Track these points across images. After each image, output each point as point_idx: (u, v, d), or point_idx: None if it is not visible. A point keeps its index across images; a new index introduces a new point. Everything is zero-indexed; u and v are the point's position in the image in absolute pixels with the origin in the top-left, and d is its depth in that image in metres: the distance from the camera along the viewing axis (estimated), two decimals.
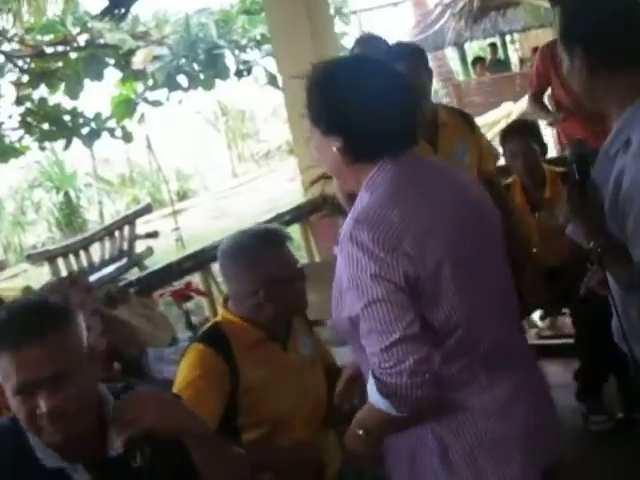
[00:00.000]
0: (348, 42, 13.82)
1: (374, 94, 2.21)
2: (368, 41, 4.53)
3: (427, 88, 3.91)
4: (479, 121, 6.06)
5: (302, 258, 6.42)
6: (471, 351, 2.24)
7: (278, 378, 3.00)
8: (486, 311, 2.27)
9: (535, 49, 12.90)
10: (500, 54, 20.10)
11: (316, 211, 6.44)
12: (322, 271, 4.84)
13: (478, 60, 18.30)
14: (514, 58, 22.06)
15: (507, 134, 4.91)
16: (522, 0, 12.65)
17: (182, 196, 20.57)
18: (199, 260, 5.52)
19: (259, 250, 2.98)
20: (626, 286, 2.35)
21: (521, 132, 4.74)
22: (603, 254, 2.32)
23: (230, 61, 14.17)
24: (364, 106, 2.21)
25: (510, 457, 2.28)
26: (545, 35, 16.36)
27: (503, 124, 10.87)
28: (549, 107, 6.22)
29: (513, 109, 13.49)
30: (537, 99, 6.15)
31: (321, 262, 6.31)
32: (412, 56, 3.83)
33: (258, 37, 13.97)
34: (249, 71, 14.63)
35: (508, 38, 21.74)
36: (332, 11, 14.31)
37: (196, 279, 5.47)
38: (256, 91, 20.53)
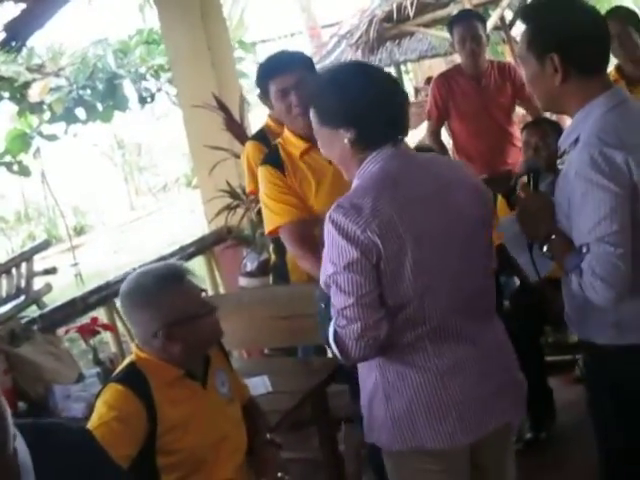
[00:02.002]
0: (245, 67, 13.79)
1: (373, 93, 2.58)
2: None
3: None
4: None
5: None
6: (420, 325, 2.57)
7: (197, 418, 2.95)
8: (440, 292, 2.57)
9: (429, 79, 13.08)
10: None
11: (220, 242, 6.40)
12: (227, 303, 4.83)
13: None
14: (409, 87, 22.39)
15: None
16: (416, 30, 12.79)
17: (79, 231, 20.24)
18: (103, 295, 5.42)
19: (155, 292, 2.90)
20: (569, 268, 2.58)
21: None
22: (555, 239, 2.63)
23: (129, 91, 14.00)
24: (362, 101, 2.57)
25: (443, 419, 2.61)
26: (438, 64, 16.66)
27: None
28: (446, 146, 6.18)
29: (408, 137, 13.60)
30: (436, 136, 6.05)
31: (226, 294, 6.26)
32: (299, 65, 3.84)
33: (156, 68, 13.85)
34: (152, 97, 14.46)
35: (403, 68, 22.08)
36: (235, 43, 14.32)
37: (100, 314, 5.35)
38: (152, 124, 20.41)
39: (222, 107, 6.03)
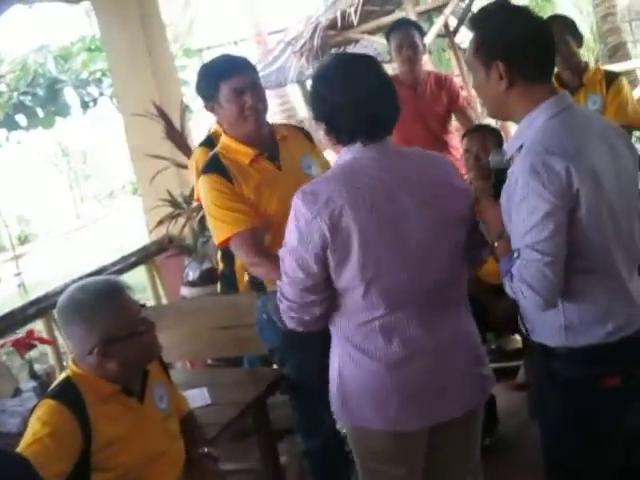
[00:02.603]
0: (188, 75, 13.72)
1: (346, 90, 2.70)
2: None
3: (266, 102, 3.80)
4: None
5: (149, 300, 6.32)
6: (369, 312, 2.71)
7: (134, 434, 2.92)
8: (387, 283, 2.68)
9: None
10: None
11: (162, 252, 6.34)
12: (167, 313, 4.78)
13: None
14: None
15: None
16: (361, 37, 12.79)
17: (24, 240, 20.02)
18: (42, 306, 5.33)
19: (92, 308, 2.85)
20: (502, 271, 2.65)
21: None
22: (499, 243, 2.70)
23: (71, 97, 13.86)
24: (336, 99, 2.70)
25: (387, 405, 2.76)
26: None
27: None
28: None
29: None
30: None
31: (165, 304, 6.20)
32: (249, 67, 3.77)
33: (99, 74, 13.75)
34: (95, 102, 14.34)
35: None
36: (180, 51, 14.23)
37: (39, 326, 5.28)
38: (98, 130, 20.25)
39: (162, 115, 5.98)
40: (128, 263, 6.15)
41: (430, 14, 13.26)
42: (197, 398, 3.81)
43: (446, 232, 2.76)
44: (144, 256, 6.37)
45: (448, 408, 2.83)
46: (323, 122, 2.77)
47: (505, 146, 2.80)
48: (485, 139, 4.65)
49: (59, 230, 20.70)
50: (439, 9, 12.22)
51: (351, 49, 15.39)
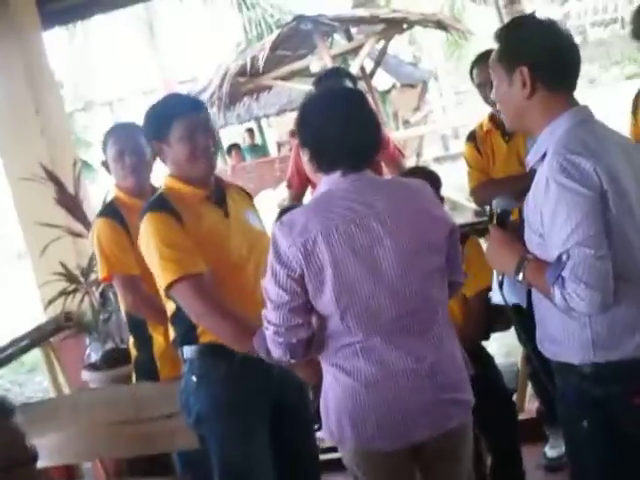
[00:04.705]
0: (90, 134, 13.28)
1: (329, 118, 2.87)
2: (117, 129, 4.41)
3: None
4: None
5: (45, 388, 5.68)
6: (347, 336, 2.85)
7: None
8: (361, 310, 2.81)
9: (293, 132, 12.78)
10: (258, 139, 20.01)
11: (59, 332, 5.69)
12: (62, 407, 4.31)
13: (233, 147, 18.09)
14: (272, 142, 21.98)
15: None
16: (275, 84, 12.45)
17: None
18: None
19: None
20: (550, 281, 2.58)
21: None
22: (527, 264, 2.69)
23: None
24: (320, 126, 2.88)
25: (363, 423, 2.88)
26: None
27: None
28: None
29: (272, 196, 13.25)
30: (300, 202, 5.54)
31: (60, 397, 5.52)
32: (202, 107, 3.68)
33: None
34: None
35: (265, 122, 21.73)
36: (82, 105, 13.75)
37: None
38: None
39: (52, 179, 5.38)
40: (19, 347, 5.43)
41: (345, 57, 13.08)
42: None
43: (421, 259, 2.87)
44: (38, 337, 5.66)
45: (419, 430, 2.91)
46: (307, 148, 2.93)
47: (528, 157, 2.84)
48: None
49: None
50: (354, 51, 12.03)
51: (265, 96, 15.11)
